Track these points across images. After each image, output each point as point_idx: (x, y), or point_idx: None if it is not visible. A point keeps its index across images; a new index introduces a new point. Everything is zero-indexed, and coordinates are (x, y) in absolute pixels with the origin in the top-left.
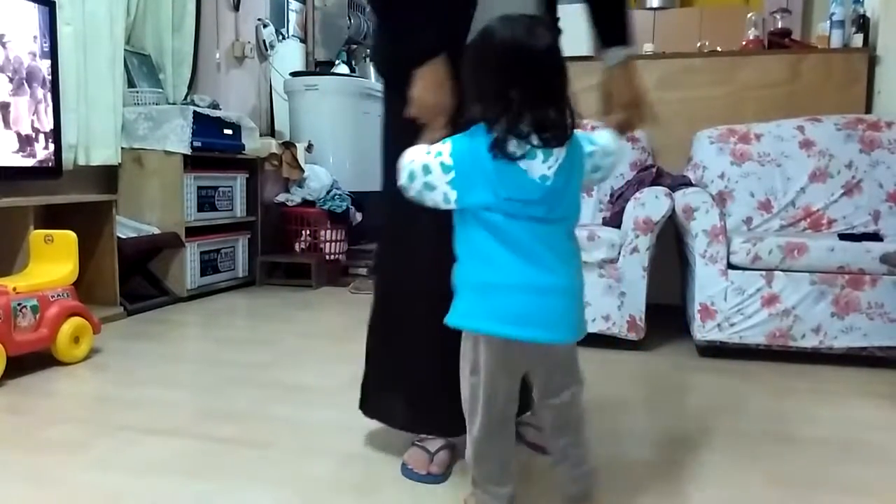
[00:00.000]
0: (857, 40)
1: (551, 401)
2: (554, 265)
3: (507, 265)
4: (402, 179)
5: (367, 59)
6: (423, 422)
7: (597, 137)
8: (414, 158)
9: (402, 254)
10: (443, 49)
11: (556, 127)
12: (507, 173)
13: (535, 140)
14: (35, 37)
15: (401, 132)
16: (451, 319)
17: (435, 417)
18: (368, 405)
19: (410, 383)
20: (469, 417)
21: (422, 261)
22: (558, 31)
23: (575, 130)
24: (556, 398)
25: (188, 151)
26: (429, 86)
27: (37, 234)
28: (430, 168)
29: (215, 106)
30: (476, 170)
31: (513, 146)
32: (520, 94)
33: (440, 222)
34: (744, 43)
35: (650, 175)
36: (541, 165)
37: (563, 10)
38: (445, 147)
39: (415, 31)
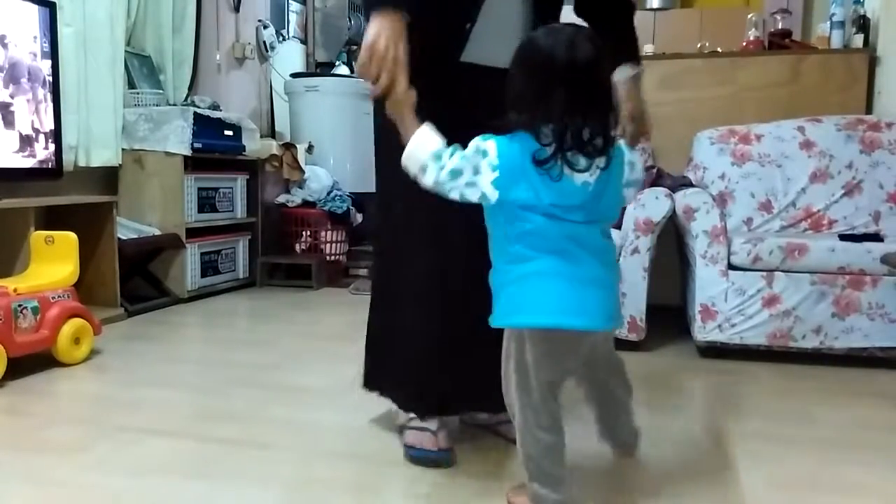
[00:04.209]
0: (858, 41)
1: (596, 393)
2: (588, 261)
3: (544, 262)
4: (440, 176)
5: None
6: (412, 399)
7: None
8: (440, 154)
9: (395, 250)
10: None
11: (597, 139)
12: (552, 179)
13: (578, 152)
14: (35, 37)
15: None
16: (495, 320)
17: (424, 397)
18: (369, 380)
19: (402, 360)
20: (519, 413)
21: (413, 255)
22: (601, 44)
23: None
24: (599, 391)
25: (188, 153)
26: (385, 35)
27: (37, 235)
28: (479, 168)
29: (216, 107)
30: (521, 173)
31: (559, 157)
32: (562, 106)
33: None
34: (744, 44)
35: (651, 176)
36: (583, 172)
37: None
38: (490, 146)
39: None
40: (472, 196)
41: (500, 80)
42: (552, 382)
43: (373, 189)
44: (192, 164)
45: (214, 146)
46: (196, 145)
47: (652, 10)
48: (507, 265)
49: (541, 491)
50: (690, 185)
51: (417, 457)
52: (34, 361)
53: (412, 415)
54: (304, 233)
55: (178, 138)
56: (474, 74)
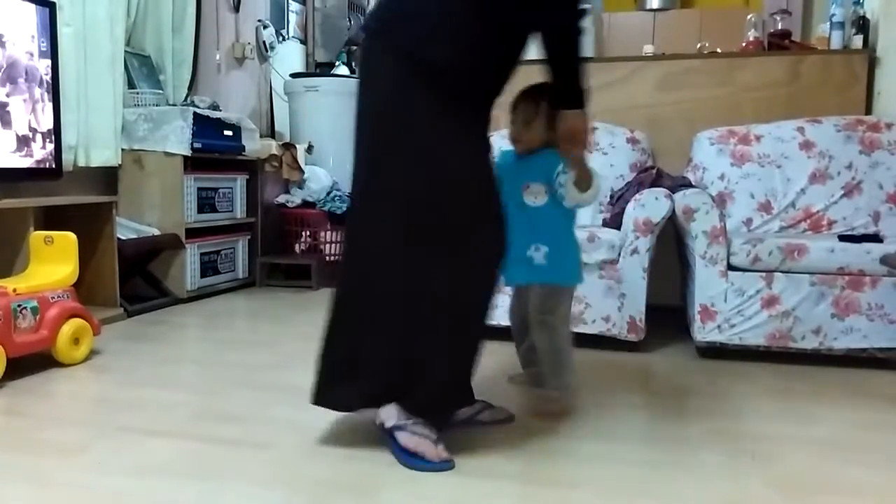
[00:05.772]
0: (857, 41)
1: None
2: None
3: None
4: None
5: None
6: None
7: None
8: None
9: (369, 253)
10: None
11: None
12: None
13: None
14: (33, 36)
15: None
16: (570, 279)
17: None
18: (324, 396)
19: (373, 371)
20: (562, 340)
21: (389, 259)
22: None
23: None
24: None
25: (188, 153)
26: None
27: (37, 236)
28: None
29: (215, 107)
30: None
31: None
32: None
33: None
34: (744, 44)
35: (650, 176)
36: None
37: None
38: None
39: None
40: None
41: None
42: None
43: None
44: (192, 164)
45: (214, 146)
46: (196, 145)
47: (652, 10)
48: (567, 244)
49: (568, 380)
50: (690, 185)
51: (416, 466)
52: (33, 362)
53: (410, 419)
54: (303, 233)
55: (177, 138)
56: None
